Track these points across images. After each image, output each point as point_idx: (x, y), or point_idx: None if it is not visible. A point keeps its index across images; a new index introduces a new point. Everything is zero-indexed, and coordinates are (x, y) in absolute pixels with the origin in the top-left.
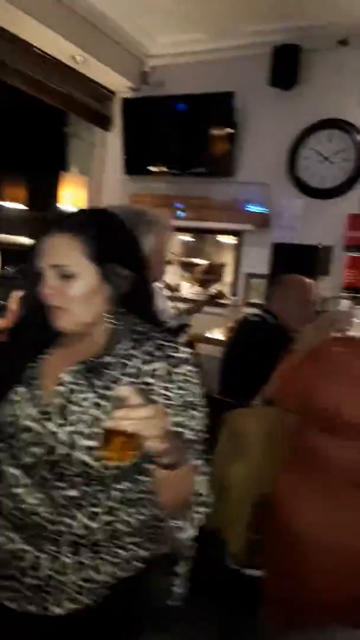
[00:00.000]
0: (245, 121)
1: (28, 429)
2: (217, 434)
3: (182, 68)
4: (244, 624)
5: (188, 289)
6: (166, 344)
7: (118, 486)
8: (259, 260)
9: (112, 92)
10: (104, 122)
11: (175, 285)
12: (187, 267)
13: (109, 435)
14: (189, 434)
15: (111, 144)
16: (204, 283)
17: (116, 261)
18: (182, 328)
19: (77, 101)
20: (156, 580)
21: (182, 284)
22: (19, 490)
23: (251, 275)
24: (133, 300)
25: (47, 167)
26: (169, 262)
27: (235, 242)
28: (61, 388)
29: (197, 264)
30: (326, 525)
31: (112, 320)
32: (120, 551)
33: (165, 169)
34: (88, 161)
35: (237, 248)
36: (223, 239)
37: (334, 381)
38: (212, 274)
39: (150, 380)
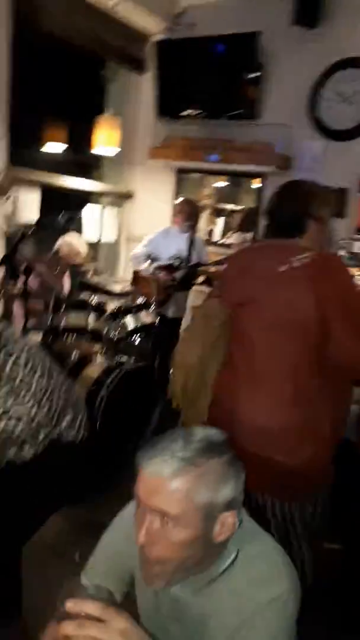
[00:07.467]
0: (271, 62)
1: None
2: None
3: (212, 9)
4: None
5: (227, 236)
6: None
7: None
8: None
9: (146, 35)
10: (137, 65)
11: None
12: (221, 213)
13: None
14: None
15: (145, 87)
16: (242, 228)
17: None
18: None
19: (111, 45)
20: None
21: (216, 230)
22: None
23: None
24: None
25: (86, 110)
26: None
27: (260, 185)
28: None
29: (233, 210)
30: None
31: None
32: None
33: (196, 112)
34: (124, 104)
35: (261, 192)
36: (256, 184)
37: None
38: (249, 219)
39: None
